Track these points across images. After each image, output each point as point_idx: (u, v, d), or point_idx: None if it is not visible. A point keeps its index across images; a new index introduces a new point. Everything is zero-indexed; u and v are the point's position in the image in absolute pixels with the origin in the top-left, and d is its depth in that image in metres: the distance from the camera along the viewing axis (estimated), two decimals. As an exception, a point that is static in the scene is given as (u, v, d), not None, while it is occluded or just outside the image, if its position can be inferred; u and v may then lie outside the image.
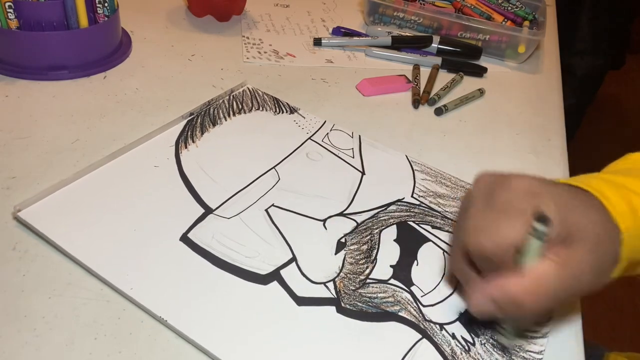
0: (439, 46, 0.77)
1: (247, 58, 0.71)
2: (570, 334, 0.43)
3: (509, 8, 0.85)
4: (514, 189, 0.37)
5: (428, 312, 0.42)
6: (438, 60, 0.75)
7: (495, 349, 0.40)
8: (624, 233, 0.37)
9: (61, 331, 0.37)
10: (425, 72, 0.73)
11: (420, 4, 0.83)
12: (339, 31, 0.80)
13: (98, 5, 0.63)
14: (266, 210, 0.48)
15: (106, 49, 0.65)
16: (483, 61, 0.78)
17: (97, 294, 0.40)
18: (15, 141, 0.52)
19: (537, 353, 0.40)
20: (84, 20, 0.61)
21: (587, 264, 0.35)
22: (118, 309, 0.39)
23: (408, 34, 0.79)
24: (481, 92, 0.71)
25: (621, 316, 1.60)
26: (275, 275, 0.42)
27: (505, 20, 0.83)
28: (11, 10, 0.58)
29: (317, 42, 0.76)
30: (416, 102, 0.67)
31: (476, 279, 0.39)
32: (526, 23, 0.82)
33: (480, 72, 0.75)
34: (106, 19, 0.64)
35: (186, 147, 0.53)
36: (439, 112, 0.66)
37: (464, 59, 0.77)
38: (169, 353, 0.37)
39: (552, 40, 0.90)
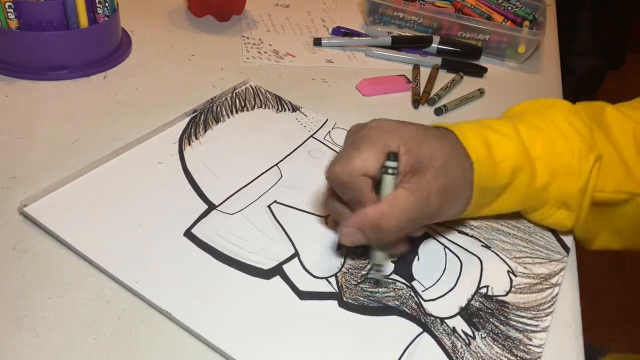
0: (439, 46, 0.77)
1: (247, 58, 0.71)
2: (570, 334, 0.43)
3: (509, 8, 0.85)
4: (371, 127, 0.42)
5: (429, 307, 0.42)
6: (438, 60, 0.75)
7: (495, 343, 0.40)
8: (474, 163, 0.42)
9: (61, 331, 0.37)
10: (425, 72, 0.73)
11: (420, 4, 0.83)
12: (338, 31, 0.80)
13: (98, 5, 0.63)
14: (269, 206, 0.48)
15: (106, 49, 0.65)
16: (483, 61, 0.78)
17: (97, 294, 0.40)
18: (15, 141, 0.52)
19: (538, 347, 0.41)
20: (84, 20, 0.61)
21: (434, 185, 0.40)
22: (118, 309, 0.39)
23: (408, 34, 0.79)
24: (481, 92, 0.71)
25: (621, 316, 1.60)
26: (278, 270, 0.43)
27: (505, 20, 0.83)
28: (11, 10, 0.58)
29: (317, 42, 0.76)
30: (416, 102, 0.67)
31: (346, 213, 0.42)
32: (526, 23, 0.82)
33: (480, 72, 0.75)
34: (106, 19, 0.64)
35: (189, 144, 0.54)
36: (439, 112, 0.66)
37: (464, 59, 0.77)
38: (169, 353, 0.37)
39: (552, 40, 0.90)
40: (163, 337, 0.38)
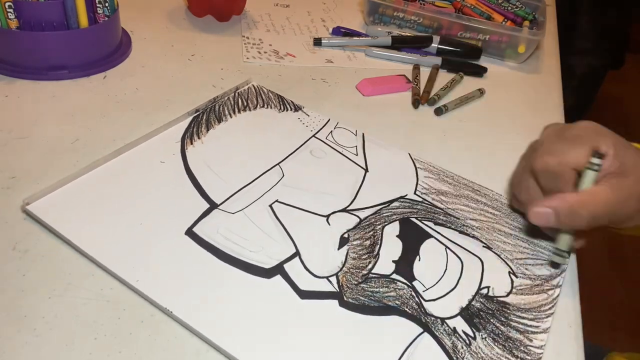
0: (439, 46, 0.77)
1: (247, 58, 0.71)
2: (570, 334, 0.43)
3: (509, 8, 0.85)
4: (583, 127, 0.46)
5: (429, 307, 0.42)
6: (438, 60, 0.75)
7: (496, 343, 0.40)
8: None
9: (61, 331, 0.37)
10: (425, 72, 0.73)
11: (420, 4, 0.83)
12: (339, 31, 0.80)
13: (98, 5, 0.63)
14: (270, 205, 0.48)
15: (106, 49, 0.65)
16: (483, 61, 0.78)
17: (97, 294, 0.40)
18: (15, 141, 0.52)
19: (538, 348, 0.41)
20: (84, 20, 0.61)
21: (634, 190, 0.43)
22: (118, 309, 0.39)
23: (408, 34, 0.79)
24: (481, 92, 0.71)
25: (621, 316, 1.60)
26: (279, 269, 0.43)
27: (505, 20, 0.83)
28: (11, 10, 0.58)
29: (317, 42, 0.76)
30: (416, 102, 0.67)
31: (540, 194, 0.47)
32: (526, 23, 0.82)
33: (480, 71, 0.75)
34: (106, 19, 0.64)
35: (192, 144, 0.54)
36: (439, 112, 0.66)
37: (464, 59, 0.77)
38: (169, 353, 0.37)
39: (552, 40, 0.90)
40: (163, 337, 0.38)
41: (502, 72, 0.78)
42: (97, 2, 0.63)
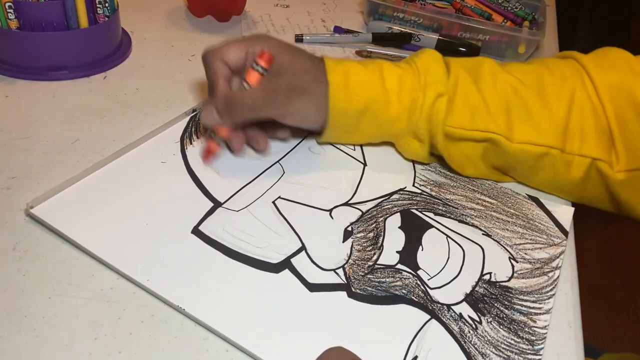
0: (439, 38, 0.78)
1: (247, 58, 0.71)
2: (570, 333, 0.43)
3: (509, 8, 0.85)
4: (253, 36, 0.51)
5: (435, 294, 0.43)
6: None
7: (501, 326, 0.41)
8: (330, 84, 0.49)
9: (61, 331, 0.37)
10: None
11: (420, 4, 0.84)
12: (339, 31, 0.80)
13: (98, 5, 0.63)
14: (273, 202, 0.49)
15: (106, 49, 0.65)
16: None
17: (97, 294, 0.40)
18: (15, 141, 0.52)
19: (542, 328, 0.42)
20: (84, 21, 0.61)
21: (284, 83, 0.48)
22: (118, 309, 0.39)
23: (389, 32, 0.80)
24: None
25: (621, 316, 1.60)
26: (286, 264, 0.44)
27: (505, 20, 0.83)
28: (11, 11, 0.58)
29: (299, 38, 0.76)
30: None
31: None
32: (526, 23, 0.82)
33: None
34: (106, 19, 0.64)
35: (191, 143, 0.54)
36: None
37: (462, 57, 0.77)
38: (169, 353, 0.37)
39: (552, 40, 0.90)
40: (163, 337, 0.38)
41: (502, 72, 0.78)
42: (97, 2, 0.63)
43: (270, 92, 0.48)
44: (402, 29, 0.80)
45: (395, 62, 0.52)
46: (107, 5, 0.63)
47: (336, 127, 0.51)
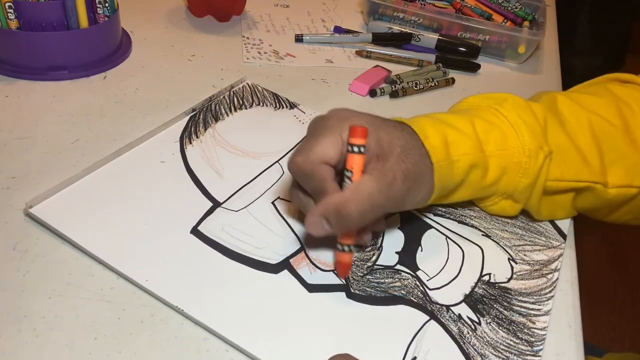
0: (439, 38, 0.78)
1: (247, 58, 0.71)
2: (570, 333, 0.43)
3: (509, 8, 0.85)
4: (329, 116, 0.42)
5: (434, 295, 0.43)
6: (433, 57, 0.75)
7: (500, 327, 0.41)
8: (434, 164, 0.42)
9: (61, 331, 0.37)
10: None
11: (420, 4, 0.83)
12: (339, 31, 0.80)
13: (98, 5, 0.63)
14: (272, 202, 0.49)
15: (106, 49, 0.65)
16: (483, 62, 0.78)
17: (97, 294, 0.40)
18: (15, 141, 0.52)
19: (541, 330, 0.42)
20: (84, 21, 0.61)
21: (398, 170, 0.40)
22: (118, 309, 0.39)
23: (390, 32, 0.80)
24: (447, 81, 0.71)
25: (621, 316, 1.60)
26: (285, 265, 0.44)
27: (505, 20, 0.83)
28: (11, 11, 0.58)
29: (299, 38, 0.76)
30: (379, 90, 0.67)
31: (310, 204, 0.43)
32: (526, 23, 0.82)
33: (473, 68, 0.76)
34: (106, 19, 0.64)
35: (190, 143, 0.54)
36: (391, 82, 0.68)
37: (462, 57, 0.77)
38: (168, 353, 0.37)
39: (552, 40, 0.90)
40: (163, 337, 0.38)
41: (502, 72, 0.78)
42: (97, 2, 0.63)
43: (386, 187, 0.40)
44: (402, 29, 0.80)
45: (480, 115, 0.47)
46: (107, 5, 0.63)
47: (434, 199, 0.45)
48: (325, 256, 0.45)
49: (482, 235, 0.49)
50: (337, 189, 0.40)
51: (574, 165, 0.47)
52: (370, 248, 0.46)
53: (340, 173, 0.41)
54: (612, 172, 0.48)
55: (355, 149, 0.40)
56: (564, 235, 0.50)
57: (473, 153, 0.44)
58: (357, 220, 0.40)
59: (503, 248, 0.48)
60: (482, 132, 0.46)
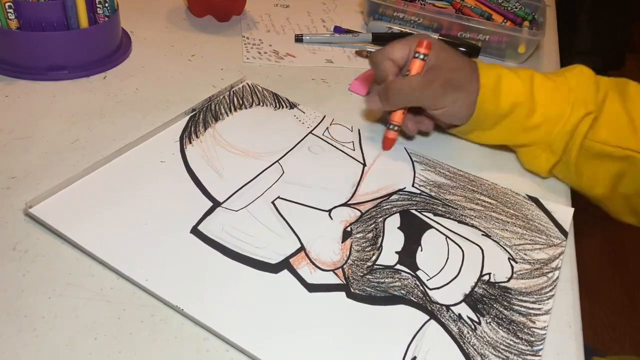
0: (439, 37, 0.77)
1: (247, 58, 0.71)
2: (570, 334, 0.43)
3: (509, 8, 0.85)
4: (413, 35, 0.55)
5: (434, 295, 0.43)
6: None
7: (500, 327, 0.41)
8: (481, 86, 0.53)
9: (61, 331, 0.37)
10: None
11: (420, 4, 0.83)
12: (339, 31, 0.80)
13: (98, 5, 0.63)
14: (272, 202, 0.49)
15: (106, 49, 0.65)
16: (483, 61, 0.78)
17: (97, 294, 0.40)
18: (15, 141, 0.52)
19: (541, 329, 0.42)
20: (84, 21, 0.61)
21: (441, 77, 0.52)
22: (118, 309, 0.39)
23: (390, 32, 0.80)
24: None
25: (621, 316, 1.60)
26: (285, 264, 0.44)
27: (505, 20, 0.83)
28: (11, 11, 0.58)
29: (299, 38, 0.76)
30: None
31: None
32: (526, 23, 0.82)
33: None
34: (106, 19, 0.64)
35: (190, 143, 0.54)
36: None
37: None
38: (168, 353, 0.37)
39: (552, 40, 0.90)
40: (163, 337, 0.38)
41: (502, 72, 0.78)
42: (97, 2, 0.63)
43: (427, 82, 0.52)
44: (402, 29, 0.80)
45: (545, 73, 0.55)
46: (107, 5, 0.63)
47: (474, 124, 0.55)
48: (325, 256, 0.45)
49: (482, 235, 0.49)
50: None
51: (622, 134, 0.51)
52: (370, 248, 0.46)
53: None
54: None
55: (416, 55, 0.53)
56: (565, 233, 0.50)
57: (521, 93, 0.53)
58: (397, 98, 0.53)
59: (503, 247, 0.48)
60: (538, 83, 0.54)
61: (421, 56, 0.52)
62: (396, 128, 0.56)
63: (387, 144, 0.57)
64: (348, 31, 0.80)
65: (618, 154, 0.51)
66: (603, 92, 0.53)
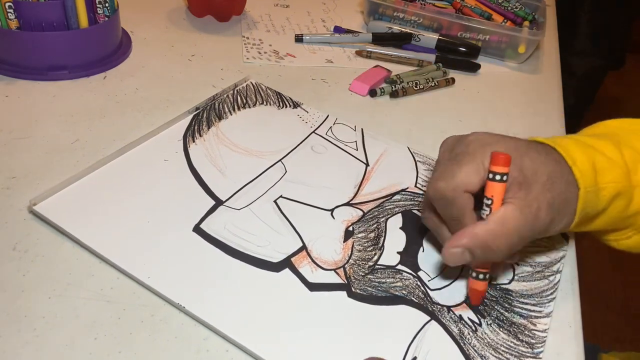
0: (439, 39, 0.78)
1: (247, 58, 0.71)
2: (570, 334, 0.43)
3: (509, 8, 0.85)
4: (470, 141, 0.41)
5: (435, 296, 0.43)
6: (433, 57, 0.75)
7: (501, 329, 0.41)
8: (581, 190, 0.40)
9: (61, 331, 0.37)
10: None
11: (420, 4, 0.83)
12: (339, 31, 0.80)
13: (98, 5, 0.63)
14: (275, 201, 0.49)
15: (106, 49, 0.65)
16: (483, 62, 0.78)
17: (97, 294, 0.40)
18: (15, 141, 0.52)
19: (542, 332, 0.42)
20: (84, 21, 0.61)
21: (543, 201, 0.39)
22: (118, 309, 0.39)
23: (390, 32, 0.80)
24: (447, 81, 0.71)
25: (621, 316, 1.60)
26: (287, 263, 0.44)
27: (505, 20, 0.83)
28: (11, 11, 0.58)
29: (299, 38, 0.76)
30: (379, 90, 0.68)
31: (444, 229, 0.43)
32: (526, 23, 0.82)
33: (473, 68, 0.76)
34: (106, 19, 0.64)
35: (194, 141, 0.54)
36: (394, 95, 0.67)
37: (462, 57, 0.77)
38: (168, 353, 0.37)
39: (552, 40, 0.90)
40: (163, 337, 0.38)
41: (502, 72, 0.78)
42: (97, 2, 0.63)
43: (531, 218, 0.39)
44: (402, 29, 0.80)
45: (626, 141, 0.45)
46: (107, 5, 0.63)
47: (573, 227, 0.43)
48: (326, 255, 0.45)
49: None
50: (476, 219, 0.40)
51: None
52: (371, 248, 0.46)
53: (479, 200, 0.40)
54: None
55: (497, 177, 0.38)
56: (566, 236, 0.50)
57: (621, 181, 0.42)
58: (505, 254, 0.39)
59: None
60: (631, 161, 0.43)
61: (500, 177, 0.38)
62: (487, 277, 0.42)
63: (475, 298, 0.43)
64: (348, 31, 0.80)
65: None
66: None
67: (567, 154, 0.41)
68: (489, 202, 0.39)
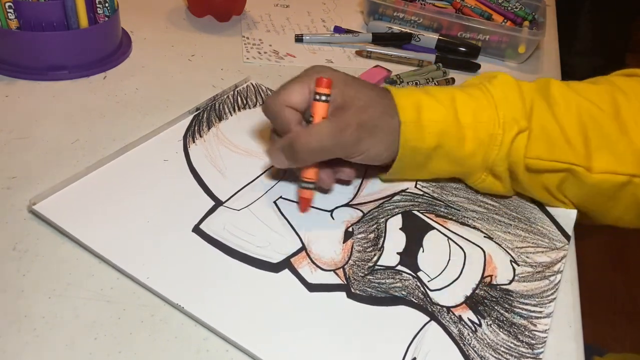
0: (439, 39, 0.78)
1: (247, 58, 0.71)
2: (570, 334, 0.43)
3: (509, 8, 0.85)
4: (306, 70, 0.47)
5: (435, 296, 0.43)
6: (433, 57, 0.75)
7: (501, 329, 0.41)
8: (402, 123, 0.46)
9: (61, 331, 0.37)
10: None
11: (420, 4, 0.83)
12: (339, 31, 0.80)
13: (98, 5, 0.63)
14: (275, 202, 0.49)
15: (106, 49, 0.65)
16: (483, 62, 0.78)
17: (97, 294, 0.40)
18: (15, 141, 0.52)
19: (542, 332, 0.42)
20: (84, 21, 0.61)
21: (353, 120, 0.44)
22: (118, 309, 0.39)
23: (390, 32, 0.80)
24: (447, 81, 0.71)
25: (621, 316, 1.60)
26: (286, 264, 0.44)
27: (505, 20, 0.83)
28: (11, 11, 0.58)
29: (299, 38, 0.76)
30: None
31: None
32: (526, 23, 0.82)
33: (474, 68, 0.76)
34: (106, 19, 0.64)
35: (194, 142, 0.54)
36: (391, 82, 0.67)
37: (462, 57, 0.77)
38: (169, 353, 0.37)
39: (552, 40, 0.90)
40: (163, 337, 0.38)
41: (502, 72, 0.78)
42: (97, 2, 0.63)
43: (337, 132, 0.43)
44: (402, 29, 0.80)
45: (466, 90, 0.49)
46: (107, 5, 0.63)
47: (405, 165, 0.48)
48: (326, 256, 0.45)
49: (484, 237, 0.49)
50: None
51: (556, 145, 0.47)
52: (371, 248, 0.46)
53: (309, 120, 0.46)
54: (598, 157, 0.47)
55: (317, 97, 0.45)
56: (567, 236, 0.50)
57: (445, 121, 0.47)
58: (306, 155, 0.44)
59: (505, 250, 0.48)
60: (461, 104, 0.48)
61: (323, 97, 0.44)
62: (311, 186, 0.47)
63: (303, 206, 0.48)
64: (348, 31, 0.80)
65: (557, 167, 0.47)
66: (529, 101, 0.48)
67: (395, 93, 0.47)
68: (311, 118, 0.45)
